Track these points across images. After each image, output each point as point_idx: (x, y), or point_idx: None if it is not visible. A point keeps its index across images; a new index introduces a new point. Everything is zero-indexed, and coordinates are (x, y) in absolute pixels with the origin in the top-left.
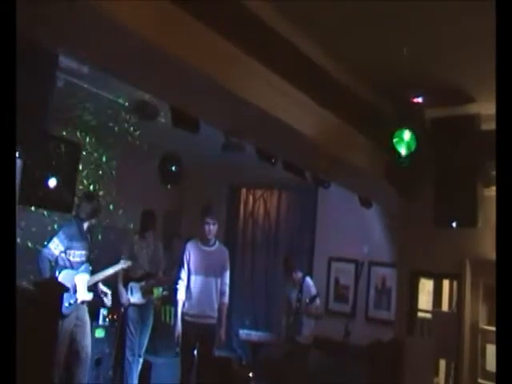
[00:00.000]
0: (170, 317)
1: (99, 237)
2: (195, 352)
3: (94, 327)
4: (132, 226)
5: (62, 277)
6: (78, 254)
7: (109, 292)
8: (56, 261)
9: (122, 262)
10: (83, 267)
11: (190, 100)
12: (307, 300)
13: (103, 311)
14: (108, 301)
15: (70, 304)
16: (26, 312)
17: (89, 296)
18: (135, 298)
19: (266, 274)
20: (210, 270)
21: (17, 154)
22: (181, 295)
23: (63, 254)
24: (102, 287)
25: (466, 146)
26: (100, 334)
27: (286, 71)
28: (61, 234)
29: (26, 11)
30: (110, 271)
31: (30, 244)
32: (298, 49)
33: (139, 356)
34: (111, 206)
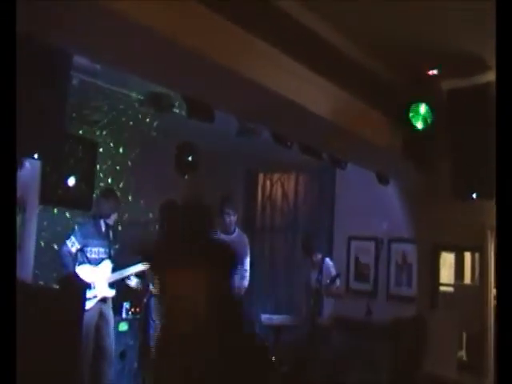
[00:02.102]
0: None
1: (120, 233)
2: None
3: (117, 321)
4: (152, 219)
5: (80, 272)
6: (95, 251)
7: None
8: (75, 257)
9: None
10: (103, 263)
11: (204, 89)
12: (328, 281)
13: (126, 305)
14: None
15: (88, 299)
16: (51, 310)
17: (110, 292)
18: None
19: (286, 258)
20: None
21: (35, 156)
22: None
23: (80, 252)
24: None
25: (483, 115)
26: (123, 327)
27: (295, 50)
28: (77, 231)
29: (38, 12)
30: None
31: (51, 244)
32: (308, 27)
33: None
34: (130, 202)
